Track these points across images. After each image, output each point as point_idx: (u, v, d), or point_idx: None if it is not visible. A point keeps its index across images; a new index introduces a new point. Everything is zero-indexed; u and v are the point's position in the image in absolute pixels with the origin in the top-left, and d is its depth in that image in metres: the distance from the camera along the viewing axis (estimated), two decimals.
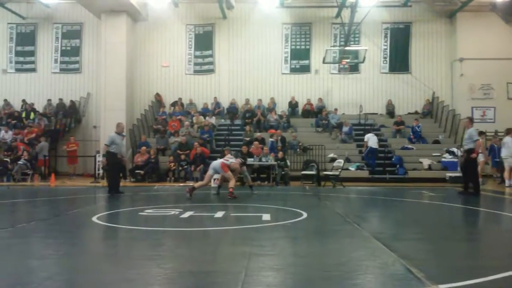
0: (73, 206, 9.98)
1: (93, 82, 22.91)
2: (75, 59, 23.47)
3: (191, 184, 12.76)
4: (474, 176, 12.48)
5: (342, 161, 16.46)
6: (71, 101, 22.89)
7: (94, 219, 7.88)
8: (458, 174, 17.35)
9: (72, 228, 7.55)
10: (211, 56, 23.21)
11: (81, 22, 23.33)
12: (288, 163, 17.61)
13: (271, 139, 18.75)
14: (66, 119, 22.20)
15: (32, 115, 22.08)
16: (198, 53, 23.24)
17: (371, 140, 18.29)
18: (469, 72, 21.83)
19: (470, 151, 12.24)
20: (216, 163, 11.68)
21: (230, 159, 12.01)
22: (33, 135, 20.14)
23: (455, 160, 18.13)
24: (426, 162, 18.51)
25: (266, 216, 8.08)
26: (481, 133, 18.51)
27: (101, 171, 18.52)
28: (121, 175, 14.24)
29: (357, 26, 20.95)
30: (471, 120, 13.33)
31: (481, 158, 16.21)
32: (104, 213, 8.90)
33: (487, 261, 4.97)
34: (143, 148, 18.31)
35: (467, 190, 12.41)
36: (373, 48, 21.93)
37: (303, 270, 4.58)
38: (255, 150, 17.47)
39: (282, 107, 22.49)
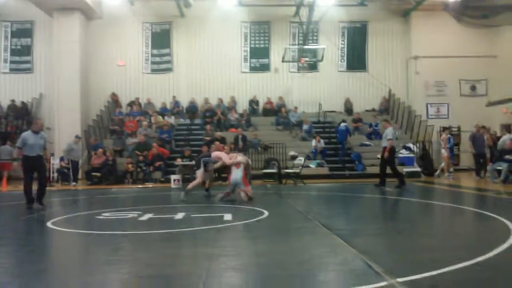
0: (26, 211, 9.55)
1: (45, 83, 22.08)
2: (26, 58, 22.56)
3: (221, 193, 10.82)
4: (394, 170, 13.48)
5: (302, 158, 16.60)
6: (22, 102, 22.00)
7: (49, 224, 7.58)
8: (414, 169, 17.97)
9: (25, 235, 7.25)
10: (169, 54, 22.87)
11: (32, 20, 22.43)
12: (250, 162, 17.56)
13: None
14: (17, 121, 21.32)
15: None
16: (155, 51, 22.85)
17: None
18: (423, 70, 22.52)
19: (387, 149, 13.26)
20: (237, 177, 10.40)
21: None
22: None
23: (412, 155, 18.69)
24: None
25: (227, 216, 8.01)
26: (445, 129, 19.28)
27: (55, 175, 17.92)
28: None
29: (315, 25, 21.23)
30: (388, 121, 14.76)
31: (444, 154, 16.97)
32: (60, 218, 8.58)
33: (442, 254, 5.09)
34: (100, 150, 17.81)
35: (384, 184, 13.31)
36: (331, 47, 22.21)
37: (265, 270, 4.55)
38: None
39: (243, 106, 22.46)
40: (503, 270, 4.44)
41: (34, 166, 10.04)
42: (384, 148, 13.34)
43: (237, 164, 10.60)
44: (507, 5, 18.31)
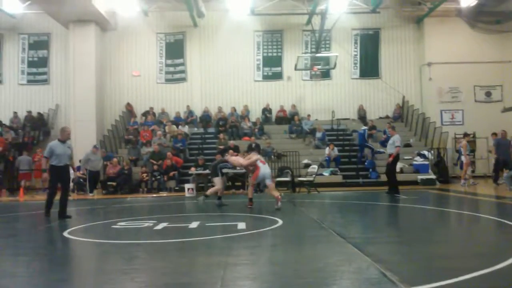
0: (43, 221, 9.69)
1: (61, 93, 22.49)
2: (43, 70, 23.01)
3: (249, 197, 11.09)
4: (392, 178, 13.63)
5: (316, 166, 16.57)
6: (39, 113, 22.39)
7: (66, 234, 7.68)
8: (429, 176, 17.78)
9: (43, 244, 7.37)
10: (182, 64, 23.10)
11: (48, 33, 22.91)
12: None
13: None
14: (34, 132, 21.68)
15: None
16: (169, 61, 23.11)
17: None
18: (437, 76, 22.35)
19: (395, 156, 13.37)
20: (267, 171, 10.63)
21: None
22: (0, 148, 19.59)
23: (426, 163, 18.50)
24: (398, 165, 18.75)
25: (241, 225, 8.04)
26: (465, 135, 19.03)
27: (71, 185, 18.13)
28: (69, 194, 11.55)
29: (328, 32, 21.26)
30: (393, 128, 14.62)
31: (465, 160, 16.73)
32: (76, 227, 8.67)
33: (458, 262, 5.06)
34: (115, 159, 18.01)
35: (397, 190, 13.33)
36: (343, 54, 22.23)
37: (279, 278, 4.57)
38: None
39: (256, 114, 22.53)
40: None
41: (62, 176, 9.83)
42: (390, 155, 13.42)
43: (262, 161, 10.77)
44: None
